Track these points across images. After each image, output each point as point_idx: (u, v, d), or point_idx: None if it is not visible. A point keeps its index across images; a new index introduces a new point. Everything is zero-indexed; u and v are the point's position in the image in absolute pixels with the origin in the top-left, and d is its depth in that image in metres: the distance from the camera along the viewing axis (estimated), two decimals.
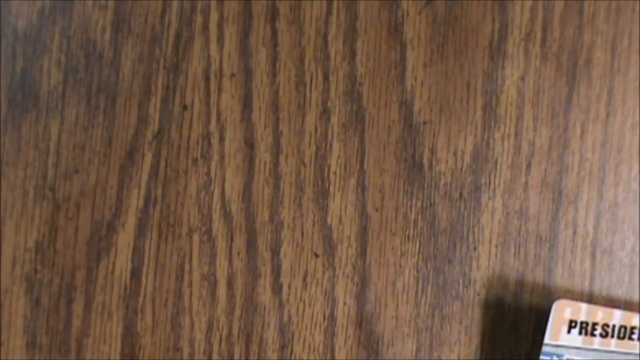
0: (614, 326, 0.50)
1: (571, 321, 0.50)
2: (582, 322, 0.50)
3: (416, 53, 0.52)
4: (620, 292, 0.52)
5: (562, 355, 0.50)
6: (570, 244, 0.52)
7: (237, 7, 0.52)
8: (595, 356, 0.50)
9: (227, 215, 0.51)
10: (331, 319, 0.52)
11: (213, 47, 0.52)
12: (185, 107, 0.52)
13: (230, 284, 0.51)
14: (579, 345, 0.50)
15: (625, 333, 0.50)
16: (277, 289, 0.52)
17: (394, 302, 0.52)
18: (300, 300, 0.52)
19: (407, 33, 0.52)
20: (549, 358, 0.50)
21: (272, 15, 0.52)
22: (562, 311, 0.49)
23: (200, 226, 0.52)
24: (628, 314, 0.50)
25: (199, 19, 0.52)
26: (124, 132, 0.52)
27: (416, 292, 0.52)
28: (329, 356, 0.52)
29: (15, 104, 0.51)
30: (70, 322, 0.51)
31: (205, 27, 0.52)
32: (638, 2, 0.52)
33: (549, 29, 0.52)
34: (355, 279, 0.52)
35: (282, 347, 0.52)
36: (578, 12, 0.52)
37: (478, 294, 0.52)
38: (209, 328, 0.51)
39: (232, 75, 0.51)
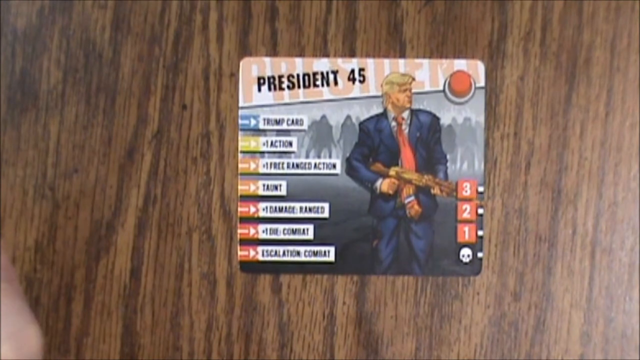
0: (298, 75, 0.50)
1: (259, 79, 0.49)
2: (269, 78, 0.49)
3: (415, 52, 0.52)
4: (619, 291, 0.52)
5: (258, 116, 0.50)
6: (569, 243, 0.52)
7: (237, 7, 0.52)
8: (287, 110, 0.50)
9: (226, 214, 0.51)
10: (331, 318, 0.52)
11: (212, 46, 0.52)
12: (184, 107, 0.52)
13: (229, 283, 0.51)
14: (271, 102, 0.50)
15: (309, 80, 0.50)
16: (276, 288, 0.52)
17: (394, 302, 0.52)
18: (300, 299, 0.52)
19: (406, 32, 0.52)
20: (247, 121, 0.50)
21: (272, 15, 0.52)
22: (249, 70, 0.49)
23: (200, 225, 0.52)
24: (308, 60, 0.49)
25: (198, 18, 0.52)
26: (124, 131, 0.52)
27: (415, 291, 0.52)
28: (328, 355, 0.52)
29: (15, 104, 0.51)
30: (69, 322, 0.51)
31: (205, 27, 0.52)
32: (637, 1, 0.52)
33: (549, 29, 0.52)
34: (355, 278, 0.52)
35: (282, 346, 0.52)
36: (577, 12, 0.52)
37: (477, 293, 0.52)
38: (209, 327, 0.51)
39: (232, 74, 0.51)
